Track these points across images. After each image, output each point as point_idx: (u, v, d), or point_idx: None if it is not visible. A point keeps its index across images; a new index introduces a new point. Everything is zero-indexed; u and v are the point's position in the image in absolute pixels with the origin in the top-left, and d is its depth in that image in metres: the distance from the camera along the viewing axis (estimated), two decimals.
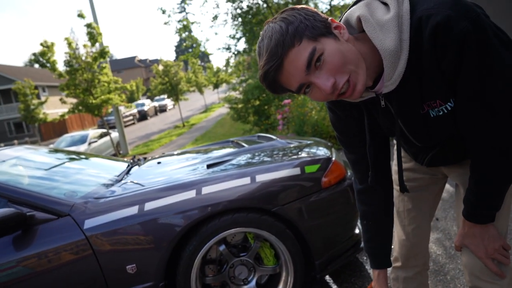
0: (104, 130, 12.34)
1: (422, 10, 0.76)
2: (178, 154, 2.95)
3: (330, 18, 0.80)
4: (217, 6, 14.77)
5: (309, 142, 2.56)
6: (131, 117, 24.09)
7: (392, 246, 1.25)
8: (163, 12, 11.76)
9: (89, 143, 11.18)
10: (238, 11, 11.63)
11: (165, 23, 12.04)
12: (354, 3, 0.89)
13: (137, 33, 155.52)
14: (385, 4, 0.83)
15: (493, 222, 0.95)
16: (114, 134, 12.71)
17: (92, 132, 11.99)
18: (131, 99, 34.20)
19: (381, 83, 0.86)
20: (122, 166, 2.67)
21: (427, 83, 0.82)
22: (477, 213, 0.94)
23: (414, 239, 1.26)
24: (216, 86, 26.05)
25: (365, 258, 2.32)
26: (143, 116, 25.83)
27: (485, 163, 0.88)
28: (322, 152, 2.16)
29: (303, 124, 6.06)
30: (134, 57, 58.73)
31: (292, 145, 2.45)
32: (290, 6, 0.92)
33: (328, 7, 11.31)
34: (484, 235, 0.95)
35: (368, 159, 1.06)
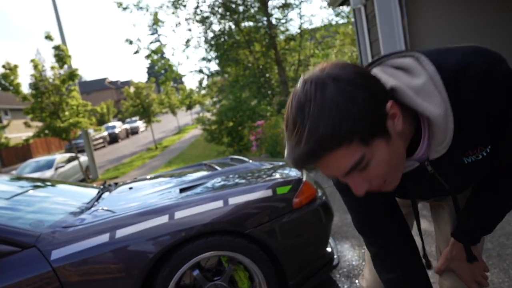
0: (73, 154, 11.91)
1: (452, 66, 0.73)
2: (150, 179, 2.92)
3: (390, 102, 0.68)
4: (190, 30, 14.92)
5: (281, 163, 2.61)
6: (101, 140, 23.42)
7: (365, 275, 1.21)
8: (130, 43, 11.62)
9: (56, 168, 10.73)
10: (211, 34, 11.76)
11: (135, 53, 11.82)
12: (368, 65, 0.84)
13: (108, 54, 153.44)
14: (398, 68, 0.78)
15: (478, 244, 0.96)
16: (83, 158, 12.28)
17: (59, 157, 11.55)
18: (101, 121, 33.37)
19: (422, 150, 0.79)
20: (92, 192, 2.60)
21: (469, 134, 0.78)
22: (474, 236, 0.93)
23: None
24: (189, 107, 25.96)
25: (338, 276, 2.35)
26: (114, 138, 25.14)
27: (497, 187, 0.87)
28: (294, 173, 2.21)
29: (276, 145, 6.16)
30: (104, 79, 57.70)
31: (264, 167, 2.49)
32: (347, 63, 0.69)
33: (298, 30, 11.68)
34: None
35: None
